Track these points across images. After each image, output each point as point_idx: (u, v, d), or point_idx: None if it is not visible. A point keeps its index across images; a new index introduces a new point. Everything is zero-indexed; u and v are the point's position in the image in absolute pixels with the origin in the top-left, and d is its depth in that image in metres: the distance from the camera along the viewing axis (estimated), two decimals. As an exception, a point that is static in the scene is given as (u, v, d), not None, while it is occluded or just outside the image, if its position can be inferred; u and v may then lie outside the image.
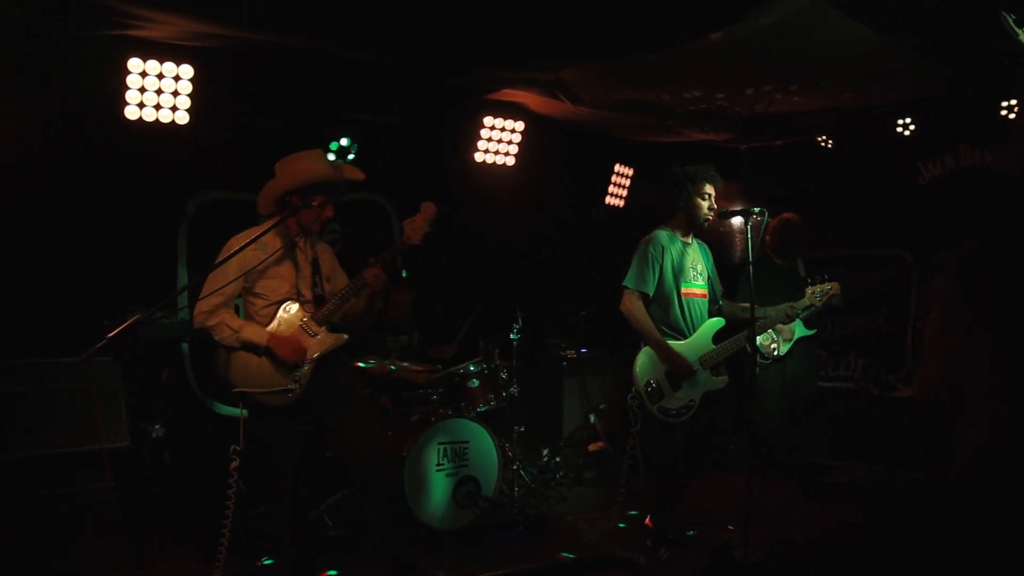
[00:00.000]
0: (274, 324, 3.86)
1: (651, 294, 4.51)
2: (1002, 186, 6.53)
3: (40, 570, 4.40)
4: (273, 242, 3.86)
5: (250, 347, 3.76)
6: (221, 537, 3.82)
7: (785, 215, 6.04)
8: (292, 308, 3.90)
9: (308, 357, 3.87)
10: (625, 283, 4.56)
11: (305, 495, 4.06)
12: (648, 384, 4.45)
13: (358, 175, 4.10)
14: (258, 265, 3.78)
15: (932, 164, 7.18)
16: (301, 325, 3.89)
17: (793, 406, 5.95)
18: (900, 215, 7.28)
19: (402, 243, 4.01)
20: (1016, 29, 4.35)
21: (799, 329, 5.84)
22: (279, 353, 3.77)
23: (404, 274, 5.80)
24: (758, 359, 5.88)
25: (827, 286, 4.97)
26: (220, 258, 3.72)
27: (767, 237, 6.12)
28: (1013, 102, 6.29)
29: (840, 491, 6.11)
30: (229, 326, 3.74)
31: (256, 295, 3.85)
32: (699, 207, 4.58)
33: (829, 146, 7.59)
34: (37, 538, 4.62)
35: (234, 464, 3.75)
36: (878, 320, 7.53)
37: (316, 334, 3.91)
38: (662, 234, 4.61)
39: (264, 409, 3.81)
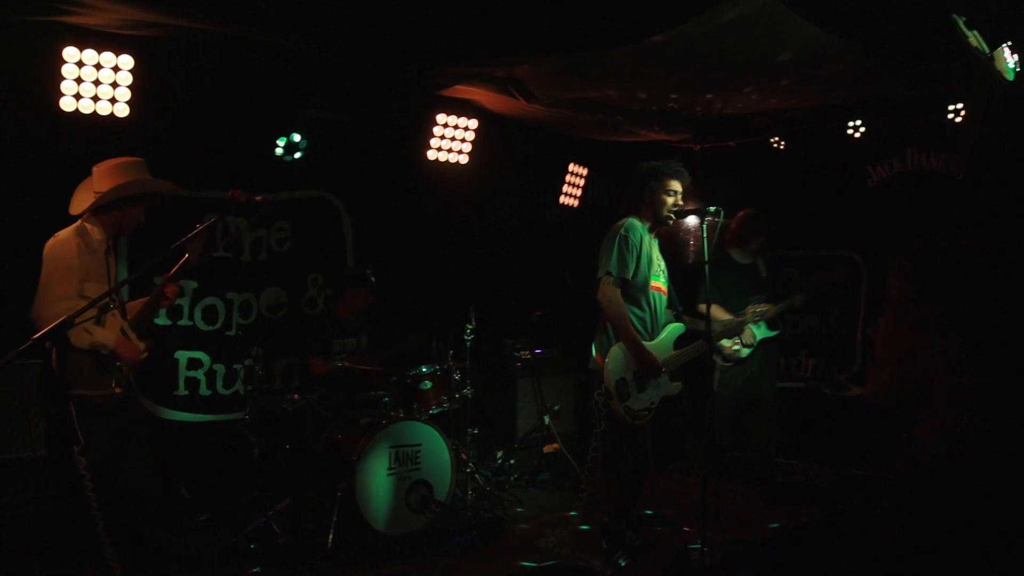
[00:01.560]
0: (104, 327, 3.82)
1: (630, 279, 4.40)
2: (947, 189, 6.68)
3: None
4: (97, 244, 3.86)
5: (97, 348, 3.72)
6: (100, 541, 3.58)
7: (746, 209, 6.07)
8: (116, 314, 3.92)
9: (137, 358, 3.90)
10: (604, 270, 4.39)
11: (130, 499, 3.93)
12: (619, 381, 4.36)
13: (173, 187, 4.16)
14: (89, 266, 3.76)
15: (880, 166, 7.28)
16: (123, 330, 3.91)
17: (751, 407, 5.97)
18: (850, 216, 7.37)
19: (185, 262, 4.01)
20: (966, 31, 4.38)
21: (761, 331, 5.86)
22: (123, 354, 3.79)
23: (373, 279, 5.70)
24: (720, 362, 5.90)
25: (762, 307, 5.61)
26: (52, 262, 3.71)
27: (730, 231, 6.18)
28: (960, 105, 6.38)
29: (795, 490, 6.13)
30: (85, 328, 3.68)
31: (84, 297, 3.74)
32: (664, 203, 4.51)
33: (781, 147, 7.65)
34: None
35: (82, 464, 3.56)
36: (829, 320, 7.61)
37: (132, 340, 3.94)
38: (636, 223, 4.51)
39: (92, 410, 3.72)
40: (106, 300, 3.76)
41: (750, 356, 5.88)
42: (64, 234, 3.80)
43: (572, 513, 5.16)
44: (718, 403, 5.87)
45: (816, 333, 7.68)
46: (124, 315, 4.02)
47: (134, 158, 4.03)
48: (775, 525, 5.22)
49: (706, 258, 4.28)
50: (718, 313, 5.66)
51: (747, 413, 5.99)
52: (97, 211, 3.90)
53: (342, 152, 6.37)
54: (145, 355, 3.99)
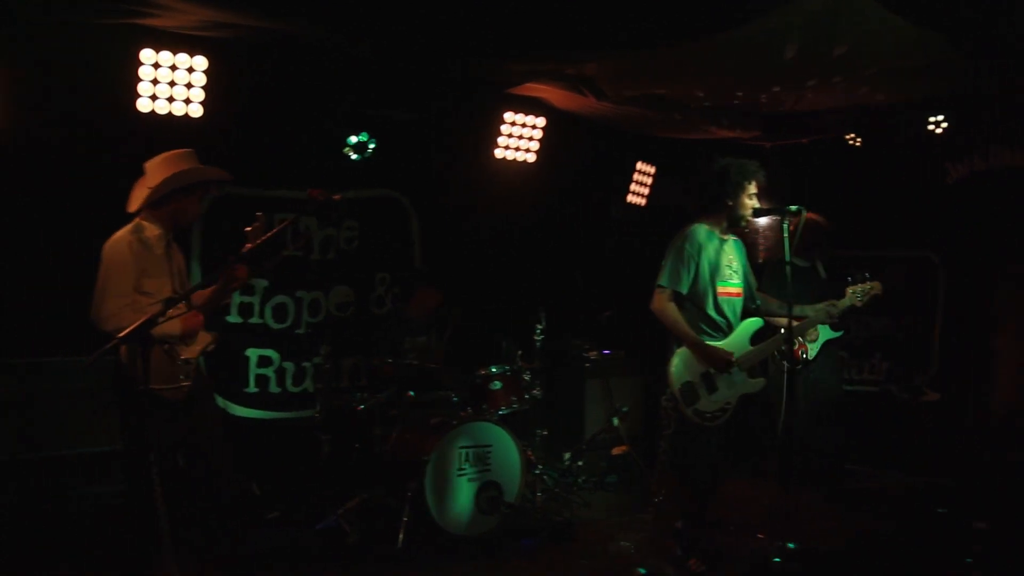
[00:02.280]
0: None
1: (684, 292, 4.33)
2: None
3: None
4: (155, 240, 3.83)
5: (165, 339, 3.70)
6: (160, 539, 3.52)
7: (807, 215, 5.87)
8: (180, 307, 3.86)
9: (201, 350, 3.90)
10: (658, 282, 4.36)
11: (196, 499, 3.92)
12: (684, 385, 4.26)
13: (222, 174, 4.09)
14: (146, 263, 3.75)
15: (960, 164, 7.02)
16: None
17: (816, 410, 5.80)
18: (926, 216, 7.13)
19: (245, 251, 3.86)
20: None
21: (825, 332, 5.68)
22: (188, 328, 3.78)
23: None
24: (785, 364, 5.73)
25: (867, 286, 4.82)
26: (108, 260, 3.70)
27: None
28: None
29: (869, 498, 5.93)
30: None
31: (144, 293, 3.75)
32: (742, 204, 4.39)
33: (857, 144, 7.42)
34: (45, 542, 4.51)
35: (151, 462, 3.52)
36: (903, 322, 7.37)
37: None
38: (700, 230, 4.42)
39: (164, 405, 3.72)
40: (171, 293, 3.76)
41: (813, 359, 5.69)
42: (119, 233, 3.80)
43: (643, 517, 5.05)
44: (783, 407, 5.71)
45: (890, 336, 7.45)
46: (190, 308, 3.96)
47: (183, 149, 3.98)
48: (852, 534, 5.05)
49: (787, 259, 4.14)
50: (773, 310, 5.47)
51: (812, 417, 5.82)
52: (152, 206, 3.86)
53: (410, 151, 6.37)
54: (212, 347, 3.98)
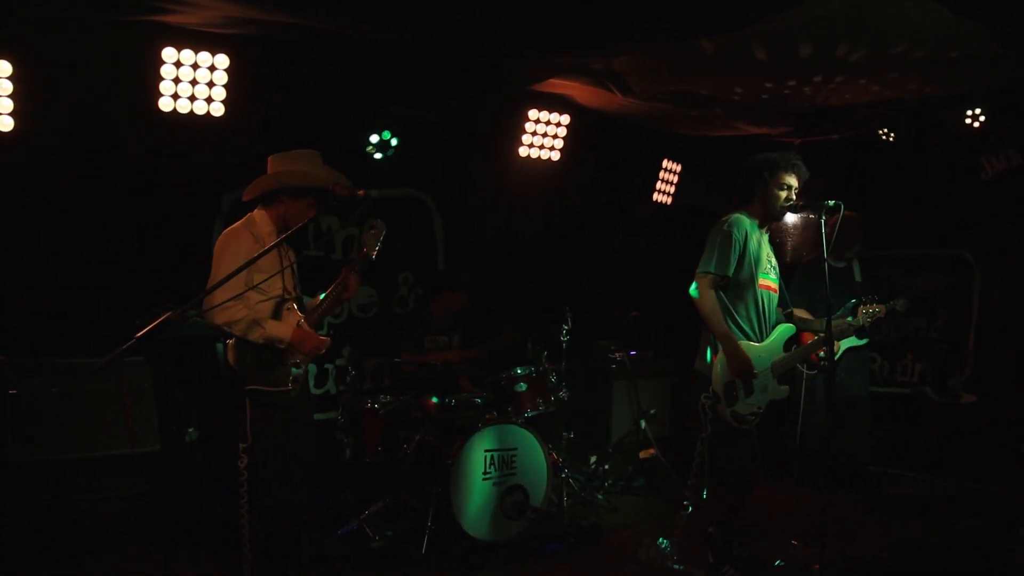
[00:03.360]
0: (282, 322, 3.73)
1: (730, 276, 4.17)
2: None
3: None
4: (266, 236, 3.74)
5: (272, 342, 3.64)
6: (242, 538, 3.54)
7: (846, 212, 5.74)
8: (292, 307, 3.80)
9: (317, 354, 3.81)
10: (701, 267, 4.18)
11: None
12: (727, 385, 4.13)
13: (332, 179, 3.90)
14: (257, 259, 3.55)
15: (996, 159, 6.82)
16: (299, 326, 3.77)
17: (840, 413, 5.76)
18: (961, 213, 6.94)
19: (365, 256, 3.90)
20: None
21: (846, 340, 5.57)
22: (301, 348, 3.70)
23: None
24: (805, 371, 5.61)
25: (875, 308, 4.94)
26: (221, 253, 3.65)
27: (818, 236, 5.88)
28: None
29: (906, 503, 5.76)
30: (258, 322, 3.61)
31: (254, 289, 3.67)
32: (777, 198, 4.24)
33: (890, 139, 7.24)
34: (66, 544, 4.48)
35: (243, 463, 3.53)
36: (937, 323, 7.19)
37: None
38: (743, 219, 4.27)
39: (267, 405, 3.66)
40: (282, 292, 3.73)
41: (836, 363, 5.57)
42: (235, 225, 3.76)
43: (674, 522, 4.92)
44: (804, 412, 5.60)
45: (923, 336, 7.26)
46: (302, 309, 3.89)
47: (307, 150, 3.88)
48: (888, 541, 4.90)
49: (824, 256, 4.00)
50: (803, 316, 5.37)
51: (836, 421, 5.68)
52: (264, 203, 3.81)
53: (433, 150, 6.31)
54: (325, 349, 3.87)
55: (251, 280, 3.61)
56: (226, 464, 5.01)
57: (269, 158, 3.86)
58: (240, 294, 3.54)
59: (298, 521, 3.84)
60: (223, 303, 3.50)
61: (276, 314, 3.73)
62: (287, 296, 3.79)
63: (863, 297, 5.32)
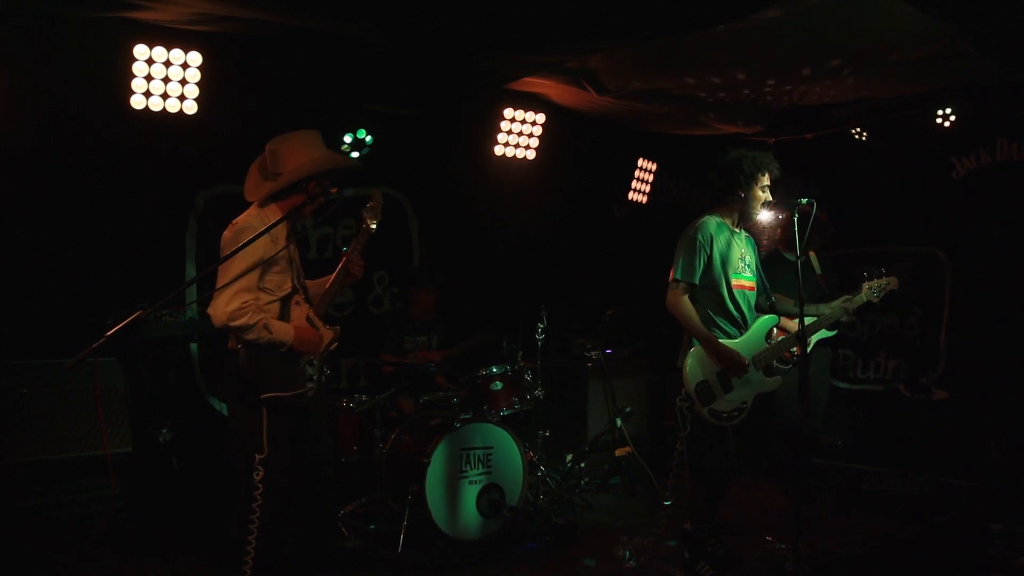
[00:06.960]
0: (289, 319, 3.55)
1: (698, 283, 4.21)
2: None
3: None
4: (281, 233, 3.52)
5: (275, 347, 3.42)
6: (245, 556, 3.41)
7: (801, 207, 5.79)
8: (300, 300, 3.61)
9: (321, 349, 3.61)
10: (672, 276, 4.24)
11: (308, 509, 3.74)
12: (699, 385, 4.15)
13: (354, 162, 3.81)
14: (272, 257, 3.43)
15: (967, 158, 6.92)
16: (308, 319, 3.61)
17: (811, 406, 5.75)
18: (933, 211, 7.03)
19: (366, 231, 3.72)
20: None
21: (817, 334, 5.57)
22: (304, 348, 3.49)
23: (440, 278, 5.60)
24: (777, 364, 5.63)
25: (884, 281, 4.68)
26: (232, 248, 3.33)
27: (781, 230, 5.99)
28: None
29: (880, 499, 5.82)
30: (264, 326, 3.37)
31: (263, 289, 3.47)
32: (756, 197, 4.28)
33: (863, 138, 7.32)
34: (36, 548, 4.40)
35: (259, 476, 3.37)
36: (909, 320, 7.27)
37: (318, 328, 3.64)
38: (711, 221, 4.30)
39: (285, 411, 3.48)
40: (289, 288, 3.53)
41: (808, 357, 5.59)
42: (241, 221, 3.47)
43: (650, 520, 4.93)
44: (779, 407, 5.60)
45: (896, 334, 7.34)
46: (308, 300, 3.70)
47: (308, 130, 3.64)
48: (866, 538, 4.94)
49: (798, 253, 4.03)
50: (786, 303, 5.37)
51: (808, 414, 5.71)
52: (274, 196, 3.55)
53: (408, 148, 6.27)
54: (334, 345, 3.72)
55: (262, 280, 3.44)
56: (199, 467, 5.02)
57: (268, 147, 3.62)
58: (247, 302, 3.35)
59: (313, 532, 3.73)
60: (240, 306, 3.31)
61: (284, 310, 3.52)
62: (295, 291, 3.60)
63: (866, 272, 5.17)
